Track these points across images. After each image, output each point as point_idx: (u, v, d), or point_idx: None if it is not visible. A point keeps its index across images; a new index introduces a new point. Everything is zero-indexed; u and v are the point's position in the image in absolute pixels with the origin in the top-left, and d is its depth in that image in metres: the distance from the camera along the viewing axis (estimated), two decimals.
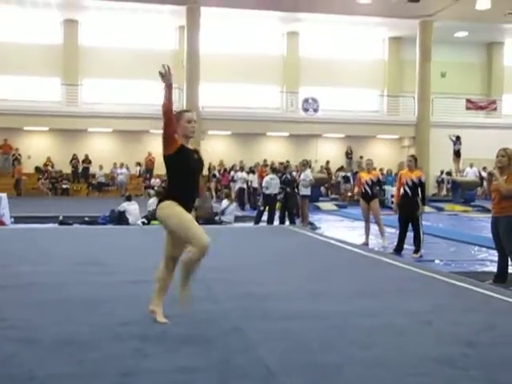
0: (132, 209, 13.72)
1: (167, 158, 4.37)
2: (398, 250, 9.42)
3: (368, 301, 5.33)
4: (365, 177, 10.88)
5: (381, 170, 23.00)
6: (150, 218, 13.80)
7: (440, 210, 18.97)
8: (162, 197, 4.47)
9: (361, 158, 25.51)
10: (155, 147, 25.58)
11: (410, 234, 9.48)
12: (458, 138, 21.93)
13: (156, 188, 21.63)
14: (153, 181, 24.24)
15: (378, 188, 11.32)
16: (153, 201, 14.62)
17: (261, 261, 7.74)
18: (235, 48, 26.21)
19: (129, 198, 14.11)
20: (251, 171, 21.55)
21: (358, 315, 4.78)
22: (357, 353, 3.80)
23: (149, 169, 25.41)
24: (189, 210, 4.36)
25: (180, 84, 24.78)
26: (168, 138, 4.31)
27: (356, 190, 11.70)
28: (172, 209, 4.29)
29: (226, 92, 25.82)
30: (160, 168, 25.09)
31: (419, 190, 9.39)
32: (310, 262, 7.78)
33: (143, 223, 13.55)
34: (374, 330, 4.35)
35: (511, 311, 5.20)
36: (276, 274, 6.72)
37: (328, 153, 26.97)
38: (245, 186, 19.74)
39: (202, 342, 4.00)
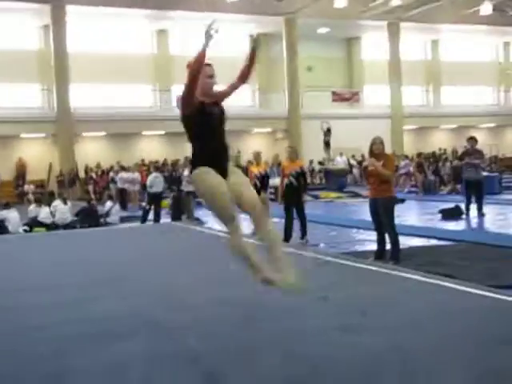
0: (12, 217, 13.28)
1: (188, 118, 4.03)
2: (287, 238, 9.91)
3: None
4: (254, 170, 11.29)
5: (266, 163, 23.70)
6: (32, 224, 13.47)
7: (316, 197, 19.97)
8: (192, 164, 4.11)
9: (238, 152, 26.13)
10: (25, 151, 24.70)
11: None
12: (328, 129, 23.19)
13: (31, 195, 20.94)
14: (26, 187, 23.38)
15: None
16: (33, 207, 14.25)
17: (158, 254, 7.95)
18: (106, 47, 25.80)
19: (7, 206, 13.64)
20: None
21: (265, 296, 5.17)
22: (271, 329, 4.17)
23: (20, 174, 24.43)
24: (222, 169, 4.01)
25: (49, 85, 24.08)
26: (190, 95, 3.95)
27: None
28: (201, 178, 3.99)
29: (99, 92, 25.38)
30: (33, 173, 24.28)
31: (302, 179, 9.94)
32: (202, 255, 8.09)
33: (25, 231, 13.19)
34: (280, 307, 4.74)
35: (392, 281, 5.81)
36: (177, 268, 6.97)
37: None
38: (126, 186, 19.61)
39: (125, 336, 4.20)
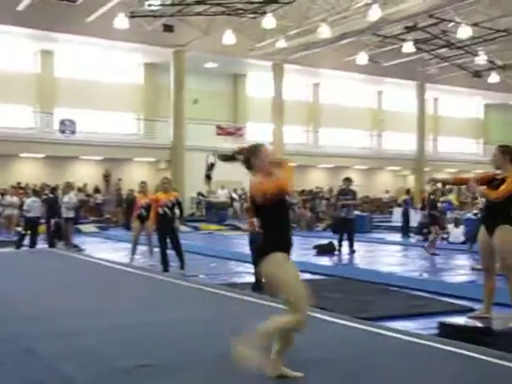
0: None
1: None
2: (166, 268, 10.00)
3: (147, 314, 5.82)
4: (141, 200, 11.29)
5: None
6: None
7: (196, 229, 20.14)
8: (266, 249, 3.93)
9: (119, 180, 25.82)
10: None
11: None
12: (212, 164, 23.50)
13: None
14: None
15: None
16: None
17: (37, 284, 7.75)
18: None
19: None
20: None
21: (143, 327, 5.24)
22: (155, 361, 4.27)
23: None
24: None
25: None
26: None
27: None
28: (284, 265, 3.91)
29: None
30: None
31: (176, 208, 10.11)
32: (83, 282, 7.99)
33: None
34: (155, 338, 4.85)
35: (270, 312, 6.06)
36: (57, 294, 6.85)
37: (85, 174, 26.74)
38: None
39: None
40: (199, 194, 26.63)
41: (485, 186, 5.54)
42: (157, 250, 10.84)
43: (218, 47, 25.48)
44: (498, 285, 5.53)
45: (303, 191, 24.74)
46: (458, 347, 4.49)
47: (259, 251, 4.00)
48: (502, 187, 5.27)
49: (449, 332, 5.27)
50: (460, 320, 5.58)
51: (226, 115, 30.86)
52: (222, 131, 29.45)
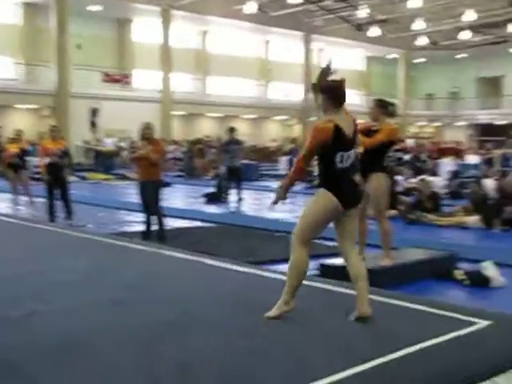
0: None
1: None
2: (52, 218, 9.81)
3: (35, 263, 5.80)
4: (11, 148, 10.90)
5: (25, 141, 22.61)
6: None
7: (83, 178, 19.72)
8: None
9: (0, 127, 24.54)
10: None
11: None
12: (94, 110, 22.89)
13: None
14: None
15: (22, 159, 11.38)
16: None
17: None
18: None
19: None
20: None
21: (30, 275, 5.25)
22: (46, 309, 4.32)
23: None
24: None
25: None
26: None
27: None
28: None
29: None
30: None
31: (66, 158, 9.88)
32: None
33: None
34: (45, 285, 4.89)
35: (159, 259, 6.24)
36: None
37: None
38: None
39: None
40: (85, 142, 25.93)
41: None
42: (39, 199, 10.59)
43: None
44: (371, 228, 6.02)
45: (199, 140, 24.69)
46: (335, 285, 4.91)
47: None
48: (377, 136, 5.67)
49: (328, 272, 5.71)
50: (338, 261, 6.02)
51: (113, 62, 29.95)
52: (108, 78, 28.63)
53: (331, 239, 7.99)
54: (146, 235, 7.98)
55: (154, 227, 7.99)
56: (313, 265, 6.30)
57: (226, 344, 3.48)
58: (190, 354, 3.32)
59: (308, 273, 5.86)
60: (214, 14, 29.55)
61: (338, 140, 3.85)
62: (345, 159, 3.89)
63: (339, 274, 5.42)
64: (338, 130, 3.84)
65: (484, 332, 3.75)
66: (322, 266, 5.96)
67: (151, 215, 7.98)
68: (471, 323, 3.86)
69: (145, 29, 30.77)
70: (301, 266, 3.99)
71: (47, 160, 9.63)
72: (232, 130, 14.00)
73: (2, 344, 3.49)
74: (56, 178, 9.65)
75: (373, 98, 6.02)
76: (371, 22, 31.36)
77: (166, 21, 29.21)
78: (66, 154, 9.83)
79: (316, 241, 8.05)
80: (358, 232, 5.90)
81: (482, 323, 3.87)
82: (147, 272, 5.50)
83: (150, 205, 7.89)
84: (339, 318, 3.98)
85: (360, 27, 31.67)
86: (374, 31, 32.15)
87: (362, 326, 3.83)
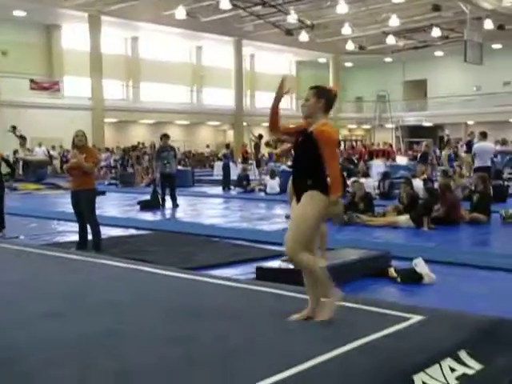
0: None
1: None
2: None
3: None
4: None
5: None
6: None
7: (14, 189, 19.12)
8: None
9: None
10: None
11: None
12: (14, 127, 22.38)
13: None
14: None
15: None
16: None
17: None
18: None
19: None
20: None
21: None
22: None
23: None
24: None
25: None
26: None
27: None
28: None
29: None
30: None
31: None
32: None
33: None
34: None
35: (95, 269, 6.13)
36: None
37: None
38: None
39: None
40: (15, 152, 25.17)
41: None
42: None
43: None
44: None
45: (135, 147, 24.29)
46: (272, 287, 4.97)
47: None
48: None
49: (265, 275, 5.77)
50: (275, 263, 6.11)
51: (42, 69, 29.27)
52: (36, 86, 27.92)
53: (267, 242, 8.15)
54: (81, 245, 7.84)
55: (89, 236, 7.86)
56: (250, 268, 6.40)
57: (162, 351, 3.47)
58: (126, 363, 3.29)
59: (244, 276, 5.99)
60: (144, 19, 29.30)
61: None
62: None
63: (275, 277, 5.51)
64: None
65: (417, 327, 3.89)
66: (259, 269, 6.01)
67: (86, 224, 7.85)
68: (405, 319, 3.99)
69: (74, 35, 30.19)
70: (314, 264, 3.94)
71: None
72: (165, 136, 13.95)
73: None
74: None
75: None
76: (301, 27, 31.85)
77: (96, 27, 28.74)
78: (5, 162, 9.56)
79: (252, 244, 8.17)
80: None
81: (416, 318, 4.01)
82: (83, 282, 5.41)
83: (84, 214, 7.75)
84: (276, 319, 4.03)
85: (290, 32, 32.10)
86: (304, 36, 32.67)
87: (300, 326, 3.89)
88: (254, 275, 6.00)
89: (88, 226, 7.81)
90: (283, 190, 15.21)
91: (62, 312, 4.34)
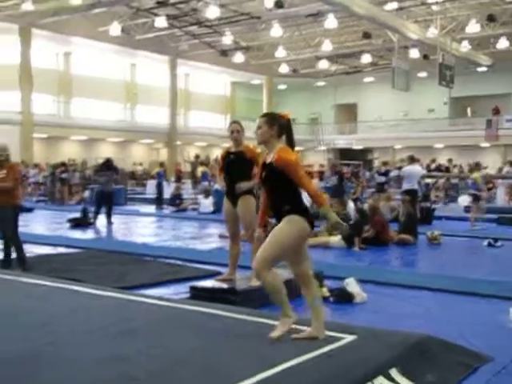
0: None
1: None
2: None
3: None
4: None
5: None
6: None
7: None
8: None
9: None
10: None
11: None
12: None
13: None
14: None
15: None
16: None
17: None
18: None
19: None
20: None
21: None
22: None
23: None
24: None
25: None
26: None
27: None
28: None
29: None
30: None
31: None
32: None
33: None
34: None
35: (21, 288, 5.92)
36: None
37: None
38: None
39: None
40: None
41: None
42: None
43: None
44: (242, 249, 6.12)
45: (63, 164, 23.42)
46: (206, 307, 4.93)
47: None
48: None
49: (199, 294, 5.71)
50: (209, 283, 6.07)
51: None
52: None
53: (200, 262, 8.09)
54: (4, 263, 7.56)
55: (14, 254, 7.58)
56: (183, 287, 6.33)
57: (95, 372, 3.37)
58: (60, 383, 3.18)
59: (178, 296, 5.91)
60: (77, 34, 28.80)
61: None
62: None
63: (210, 297, 5.47)
64: None
65: (350, 346, 3.93)
66: (193, 288, 5.95)
67: (9, 242, 7.57)
68: (338, 338, 4.03)
69: (2, 47, 29.29)
70: (276, 285, 3.98)
71: None
72: (108, 159, 14.56)
73: None
74: None
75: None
76: (236, 48, 32.14)
77: (26, 39, 28.01)
78: None
79: (185, 263, 8.10)
80: (229, 254, 6.02)
81: (348, 337, 4.06)
82: (8, 302, 5.21)
83: (7, 231, 7.48)
84: (209, 339, 4.00)
85: (225, 53, 32.33)
86: (239, 57, 32.96)
87: (232, 345, 3.87)
88: (187, 294, 5.93)
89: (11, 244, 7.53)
90: (217, 209, 15.21)
91: None
